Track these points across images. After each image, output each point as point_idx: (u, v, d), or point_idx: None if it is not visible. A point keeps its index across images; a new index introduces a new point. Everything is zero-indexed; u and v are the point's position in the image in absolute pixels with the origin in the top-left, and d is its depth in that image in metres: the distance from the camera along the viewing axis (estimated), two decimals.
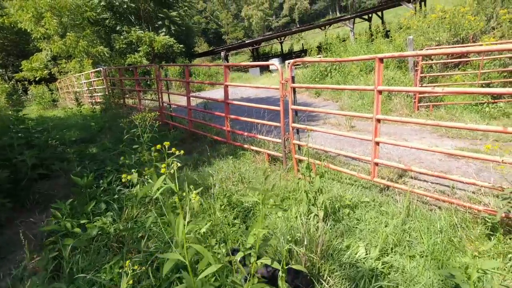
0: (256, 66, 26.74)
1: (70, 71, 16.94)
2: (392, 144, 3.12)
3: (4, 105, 13.70)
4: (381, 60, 2.90)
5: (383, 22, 23.04)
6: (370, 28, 22.36)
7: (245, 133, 4.97)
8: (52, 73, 19.81)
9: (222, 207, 3.05)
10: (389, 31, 14.70)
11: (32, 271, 2.28)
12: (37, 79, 20.11)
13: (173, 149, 1.63)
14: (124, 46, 22.26)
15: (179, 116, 6.78)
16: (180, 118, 6.98)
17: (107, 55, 19.92)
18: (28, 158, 3.50)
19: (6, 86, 17.79)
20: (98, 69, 11.04)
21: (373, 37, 12.27)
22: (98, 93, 11.37)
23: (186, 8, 26.83)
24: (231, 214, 3.00)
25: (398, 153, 4.76)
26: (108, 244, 2.52)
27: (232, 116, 5.10)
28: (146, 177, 3.46)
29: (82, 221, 2.69)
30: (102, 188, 3.22)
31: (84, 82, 12.86)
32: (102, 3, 21.91)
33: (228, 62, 27.64)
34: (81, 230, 2.60)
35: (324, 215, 2.80)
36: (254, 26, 62.02)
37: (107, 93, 10.09)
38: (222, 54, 23.76)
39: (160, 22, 23.80)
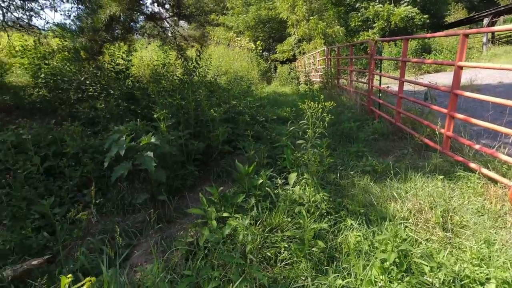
0: None
1: (306, 52, 18.75)
2: None
3: (257, 81, 17.58)
4: None
5: None
6: None
7: (476, 146, 3.10)
8: (295, 54, 22.96)
9: (380, 278, 1.93)
10: None
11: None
12: (284, 59, 24.17)
13: None
14: (359, 23, 21.73)
15: (387, 104, 5.48)
16: (388, 108, 5.65)
17: (341, 34, 20.37)
18: (221, 133, 3.88)
19: (265, 65, 22.55)
20: (322, 48, 11.26)
21: None
22: (318, 72, 11.74)
23: None
24: None
25: None
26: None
27: (460, 116, 3.32)
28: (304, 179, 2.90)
29: (224, 214, 2.58)
30: (260, 181, 2.99)
31: (311, 62, 13.71)
32: None
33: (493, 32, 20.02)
34: (219, 223, 2.49)
35: None
36: None
37: (325, 72, 10.13)
38: (485, 22, 17.59)
39: None
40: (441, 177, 3.14)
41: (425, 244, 2.25)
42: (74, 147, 3.48)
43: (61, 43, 7.05)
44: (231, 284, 1.82)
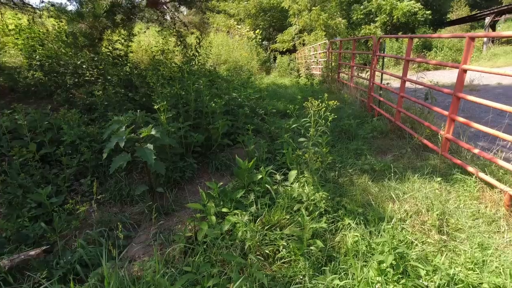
0: None
1: (306, 44, 18.55)
2: None
3: (256, 71, 17.38)
4: None
5: None
6: None
7: (475, 150, 3.12)
8: (295, 45, 22.71)
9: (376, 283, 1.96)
10: None
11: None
12: (284, 50, 23.88)
13: None
14: (361, 16, 21.52)
15: (387, 103, 5.47)
16: (388, 106, 5.65)
17: (343, 27, 20.16)
18: (221, 126, 3.85)
19: (264, 55, 22.25)
20: (324, 41, 11.14)
21: None
22: (319, 65, 11.65)
23: None
24: None
25: None
26: (231, 249, 2.25)
27: (461, 119, 3.33)
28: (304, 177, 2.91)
29: (224, 209, 2.58)
30: (260, 177, 2.99)
31: (313, 54, 13.59)
32: None
33: (494, 31, 19.97)
34: (218, 218, 2.49)
35: None
36: None
37: (326, 66, 10.06)
38: (487, 20, 17.52)
39: None
40: (439, 179, 3.17)
41: (421, 246, 2.28)
42: (71, 135, 3.43)
43: (56, 23, 6.84)
44: (231, 281, 1.83)
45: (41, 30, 6.65)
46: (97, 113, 4.48)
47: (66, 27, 6.40)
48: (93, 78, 5.61)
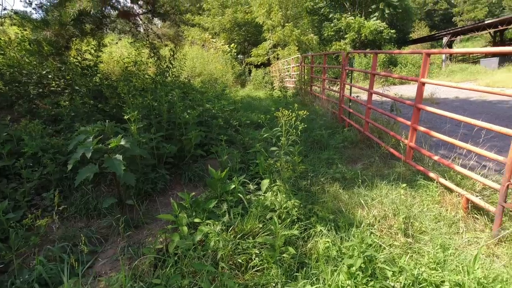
0: (479, 52, 19.59)
1: (280, 58, 19.07)
2: None
3: (232, 84, 17.53)
4: None
5: None
6: None
7: (435, 157, 3.34)
8: (270, 59, 23.24)
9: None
10: None
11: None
12: (258, 63, 24.34)
13: None
14: (332, 33, 22.59)
15: (356, 114, 5.73)
16: (357, 117, 5.91)
17: (315, 42, 21.02)
18: (194, 137, 3.82)
19: (240, 68, 22.53)
20: (297, 55, 11.54)
21: None
22: (292, 78, 11.99)
23: None
24: None
25: None
26: (202, 259, 2.21)
27: (422, 129, 3.55)
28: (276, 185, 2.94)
29: (196, 220, 2.54)
30: (232, 186, 2.98)
31: (286, 68, 13.98)
32: None
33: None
34: (190, 229, 2.44)
35: None
36: (508, 1, 45.63)
37: (299, 79, 10.38)
38: (444, 40, 19.07)
39: (374, 6, 22.08)
40: (404, 185, 3.33)
41: (389, 249, 2.37)
42: (33, 147, 3.24)
43: (20, 32, 6.54)
44: None
45: (2, 38, 6.32)
46: (63, 124, 4.28)
47: (30, 35, 6.13)
48: (59, 89, 5.39)
